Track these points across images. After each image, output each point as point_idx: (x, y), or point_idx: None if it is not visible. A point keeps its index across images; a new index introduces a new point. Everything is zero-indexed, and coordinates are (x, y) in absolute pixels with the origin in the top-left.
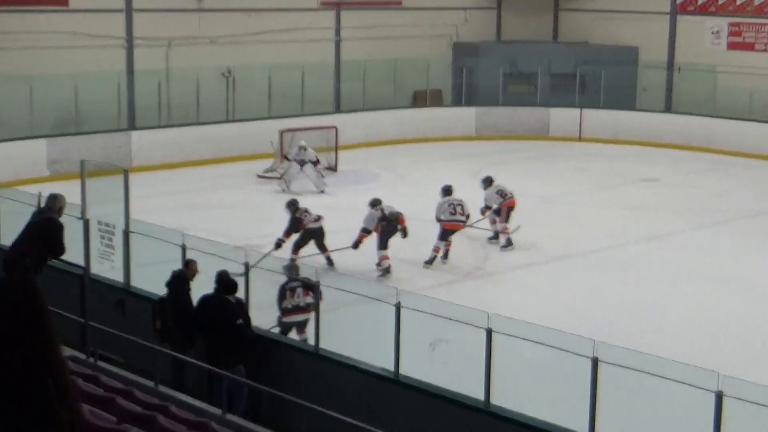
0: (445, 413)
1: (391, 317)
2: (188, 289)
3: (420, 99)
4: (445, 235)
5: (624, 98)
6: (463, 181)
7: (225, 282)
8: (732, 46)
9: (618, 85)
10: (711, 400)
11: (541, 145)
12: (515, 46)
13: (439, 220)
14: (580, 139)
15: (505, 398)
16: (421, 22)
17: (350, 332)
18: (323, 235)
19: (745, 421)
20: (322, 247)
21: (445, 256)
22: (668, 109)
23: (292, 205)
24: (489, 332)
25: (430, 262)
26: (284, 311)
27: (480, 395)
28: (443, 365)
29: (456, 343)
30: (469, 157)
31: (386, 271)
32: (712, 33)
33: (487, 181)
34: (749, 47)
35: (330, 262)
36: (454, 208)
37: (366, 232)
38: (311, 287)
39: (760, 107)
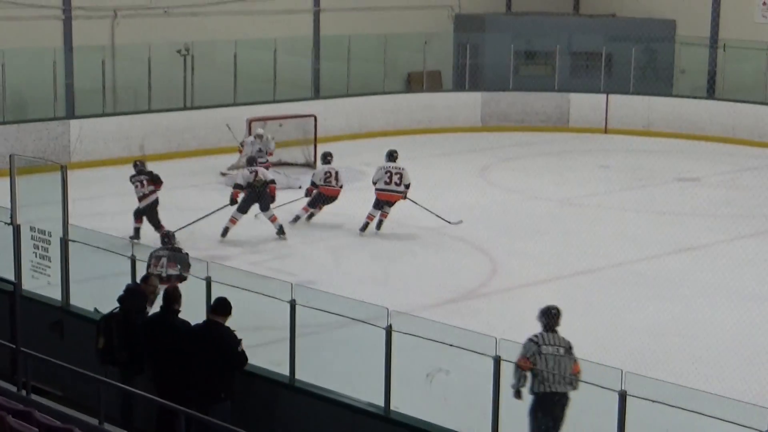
0: None
1: (381, 343)
2: (144, 308)
3: (415, 82)
4: (380, 204)
5: (658, 82)
6: (467, 181)
7: (221, 302)
8: None
9: (651, 67)
10: None
11: (560, 137)
12: (529, 20)
13: (374, 186)
14: (605, 130)
15: None
16: None
17: (332, 360)
18: (147, 210)
19: None
20: (153, 223)
21: (378, 226)
22: (711, 94)
23: (135, 167)
24: (497, 360)
25: (362, 229)
26: None
27: None
28: (442, 399)
29: (458, 374)
30: (474, 152)
31: (225, 232)
32: (764, 4)
33: (324, 158)
34: None
35: (136, 234)
36: (391, 177)
37: (239, 188)
38: (177, 259)
39: None
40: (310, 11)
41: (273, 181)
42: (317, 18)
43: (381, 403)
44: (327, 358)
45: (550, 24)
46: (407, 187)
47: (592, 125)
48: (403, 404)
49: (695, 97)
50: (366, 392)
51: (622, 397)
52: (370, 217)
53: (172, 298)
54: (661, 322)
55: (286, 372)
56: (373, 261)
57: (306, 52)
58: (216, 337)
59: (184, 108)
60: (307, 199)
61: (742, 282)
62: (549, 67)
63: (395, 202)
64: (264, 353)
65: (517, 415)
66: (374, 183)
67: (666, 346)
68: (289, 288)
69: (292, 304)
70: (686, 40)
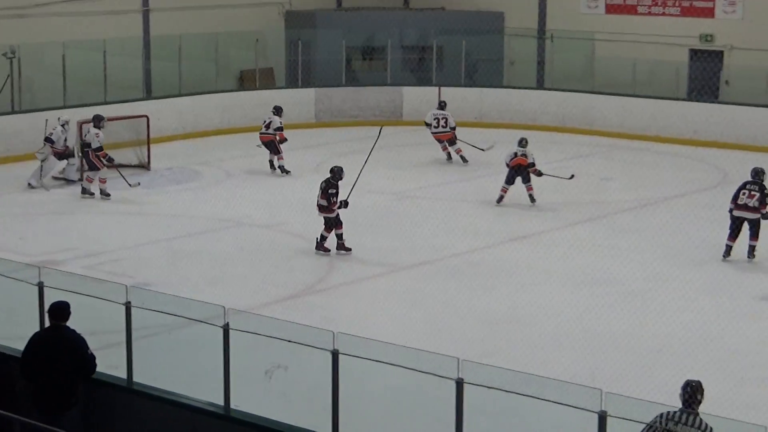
0: None
1: (219, 341)
2: None
3: (248, 80)
4: (440, 141)
5: (489, 73)
6: (303, 178)
7: (61, 306)
8: (611, 9)
9: (482, 59)
10: (594, 421)
11: (394, 131)
12: (359, 15)
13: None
14: None
15: (356, 430)
16: None
17: (170, 361)
18: None
19: None
20: None
21: (448, 157)
22: (540, 84)
23: None
24: (335, 354)
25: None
26: None
27: (327, 428)
28: (282, 395)
29: (297, 369)
30: (309, 149)
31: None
32: None
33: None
34: (631, 10)
35: None
36: (438, 122)
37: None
38: None
39: (644, 80)
40: (138, 11)
41: (96, 148)
42: (146, 18)
43: (221, 401)
44: (166, 359)
45: (380, 19)
46: (453, 129)
47: (425, 118)
48: (243, 402)
49: (525, 88)
50: (206, 391)
51: (459, 385)
52: (459, 150)
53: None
54: (498, 310)
55: (124, 375)
56: (211, 261)
57: (136, 53)
58: (66, 340)
59: (12, 112)
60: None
61: (575, 268)
62: (381, 62)
63: (445, 139)
64: (102, 357)
65: (356, 408)
66: (427, 125)
67: (503, 333)
68: (124, 290)
69: (128, 306)
70: (515, 31)
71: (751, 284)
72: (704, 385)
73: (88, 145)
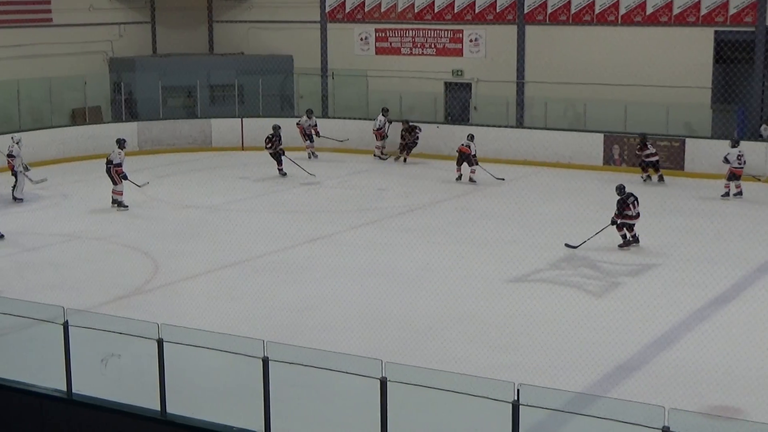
0: (122, 427)
1: (60, 337)
2: None
3: (79, 117)
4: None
5: (283, 106)
6: (130, 197)
7: None
8: (380, 51)
9: (276, 94)
10: (376, 385)
11: (205, 155)
12: (172, 60)
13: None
14: (243, 148)
15: (182, 406)
16: (74, 38)
17: (19, 357)
18: None
19: (408, 401)
20: None
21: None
22: (325, 114)
23: None
24: (160, 342)
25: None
26: None
27: (156, 405)
28: (116, 380)
29: (130, 357)
30: (134, 172)
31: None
32: (361, 39)
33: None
34: (396, 51)
35: None
36: (382, 124)
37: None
38: None
39: (409, 108)
40: None
41: (117, 165)
42: None
43: (64, 387)
44: (15, 355)
45: (190, 63)
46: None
47: (231, 144)
48: (83, 387)
49: (317, 116)
50: (51, 380)
51: (265, 362)
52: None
53: None
54: (298, 300)
55: None
56: (53, 270)
57: None
58: None
59: None
60: None
61: (360, 262)
62: (192, 99)
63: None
64: None
65: (180, 387)
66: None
67: (303, 318)
68: None
69: None
70: (302, 71)
71: (500, 270)
72: (464, 352)
73: (111, 161)
